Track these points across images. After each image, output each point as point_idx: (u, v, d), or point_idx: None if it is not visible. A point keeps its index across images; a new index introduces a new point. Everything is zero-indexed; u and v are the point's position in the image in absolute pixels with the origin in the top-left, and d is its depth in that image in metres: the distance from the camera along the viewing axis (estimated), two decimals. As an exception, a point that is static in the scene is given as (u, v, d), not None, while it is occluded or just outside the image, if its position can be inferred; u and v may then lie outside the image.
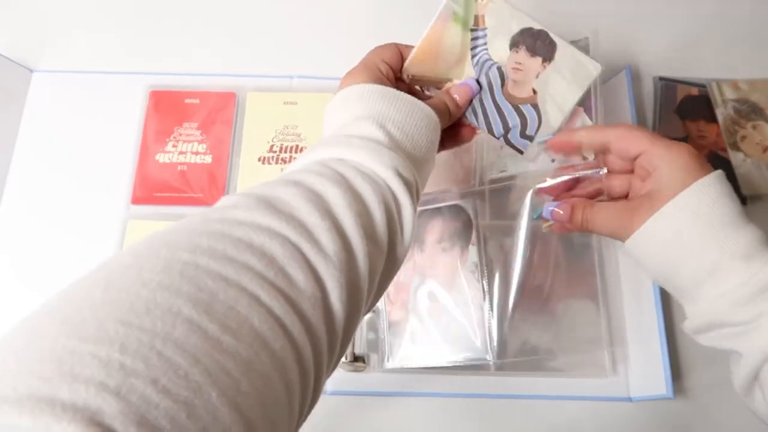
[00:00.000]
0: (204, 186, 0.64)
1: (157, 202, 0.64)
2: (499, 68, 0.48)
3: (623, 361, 0.58)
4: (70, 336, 0.21)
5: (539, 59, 0.47)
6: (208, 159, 0.65)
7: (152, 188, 0.64)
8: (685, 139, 0.66)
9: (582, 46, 0.52)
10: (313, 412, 0.61)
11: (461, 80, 0.48)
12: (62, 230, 0.63)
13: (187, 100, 0.68)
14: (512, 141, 0.49)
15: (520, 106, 0.48)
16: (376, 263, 0.34)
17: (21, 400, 0.19)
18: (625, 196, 0.45)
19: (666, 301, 0.57)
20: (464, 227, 0.57)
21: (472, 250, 0.56)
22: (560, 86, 0.48)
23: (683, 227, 0.38)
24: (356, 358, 0.57)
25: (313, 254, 0.29)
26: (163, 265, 0.25)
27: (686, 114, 0.67)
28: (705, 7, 0.73)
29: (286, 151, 0.65)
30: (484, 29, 0.47)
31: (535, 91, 0.48)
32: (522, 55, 0.47)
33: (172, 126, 0.67)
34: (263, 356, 0.25)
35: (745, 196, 0.63)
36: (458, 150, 0.61)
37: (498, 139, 0.50)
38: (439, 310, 0.56)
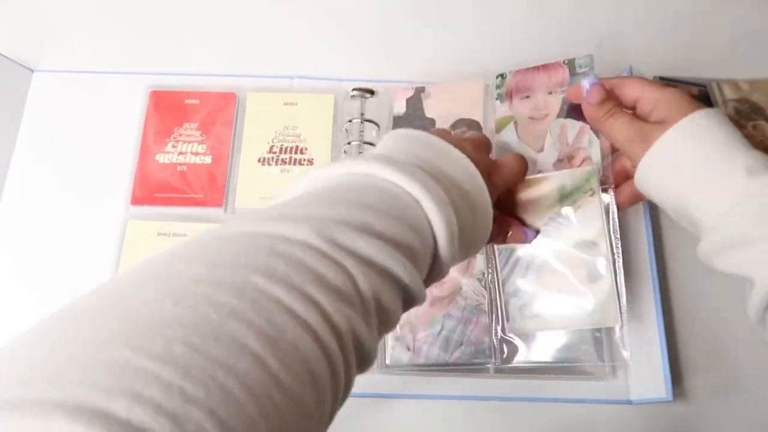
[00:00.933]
0: (204, 186, 0.64)
1: (157, 202, 0.64)
2: (548, 260, 0.51)
3: (623, 364, 0.58)
4: (136, 350, 0.21)
5: (579, 284, 0.50)
6: (208, 159, 0.65)
7: (152, 189, 0.64)
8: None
9: (585, 63, 0.53)
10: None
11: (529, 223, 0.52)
12: (62, 230, 0.63)
13: (187, 101, 0.68)
14: (509, 307, 0.53)
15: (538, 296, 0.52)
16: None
17: (77, 409, 0.19)
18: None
19: (666, 302, 0.57)
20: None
21: (478, 257, 0.57)
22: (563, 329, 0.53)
23: (693, 145, 0.42)
24: (356, 360, 0.57)
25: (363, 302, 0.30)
26: (237, 289, 0.25)
27: (687, 115, 0.67)
28: (705, 7, 0.73)
29: (286, 152, 0.65)
30: (567, 218, 0.50)
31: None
32: (569, 269, 0.50)
33: (172, 126, 0.67)
34: (311, 396, 0.25)
35: (745, 198, 0.63)
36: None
37: (503, 287, 0.53)
38: (444, 314, 0.56)
